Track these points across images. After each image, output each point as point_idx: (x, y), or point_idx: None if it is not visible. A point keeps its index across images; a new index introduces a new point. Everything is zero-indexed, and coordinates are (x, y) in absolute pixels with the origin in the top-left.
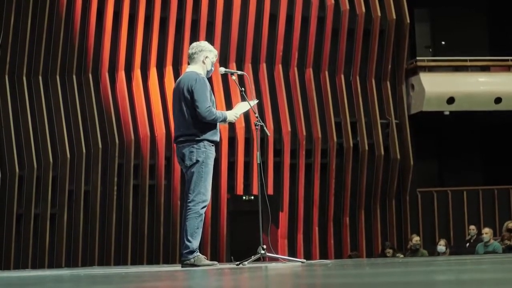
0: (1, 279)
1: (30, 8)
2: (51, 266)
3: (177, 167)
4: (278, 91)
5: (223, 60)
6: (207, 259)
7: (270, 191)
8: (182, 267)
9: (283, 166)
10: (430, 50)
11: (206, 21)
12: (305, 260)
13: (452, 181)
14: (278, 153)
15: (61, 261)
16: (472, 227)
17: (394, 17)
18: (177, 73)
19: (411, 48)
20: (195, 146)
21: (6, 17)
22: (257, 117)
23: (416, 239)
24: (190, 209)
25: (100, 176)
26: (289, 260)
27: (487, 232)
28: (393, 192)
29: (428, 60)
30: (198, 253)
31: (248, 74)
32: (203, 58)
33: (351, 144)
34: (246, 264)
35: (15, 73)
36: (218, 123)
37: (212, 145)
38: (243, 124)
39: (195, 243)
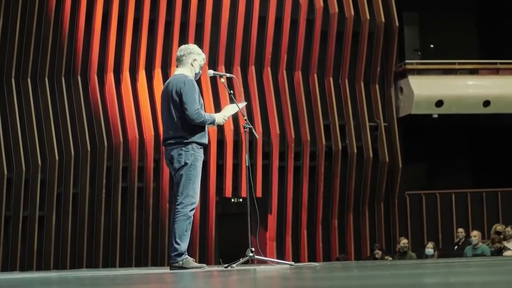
0: None
1: (19, 10)
2: (39, 268)
3: (166, 170)
4: (267, 94)
5: (212, 62)
6: (195, 262)
7: (259, 193)
8: (170, 269)
9: (272, 168)
10: (419, 53)
11: (195, 23)
12: (293, 263)
13: (440, 184)
14: (266, 155)
15: (50, 264)
16: (461, 229)
17: (383, 20)
18: (166, 75)
19: (400, 51)
20: (183, 148)
21: None
22: (245, 119)
23: (404, 241)
24: (178, 211)
25: (88, 179)
26: (278, 263)
27: (475, 235)
28: (381, 194)
29: (417, 63)
30: (187, 256)
31: (237, 77)
32: (192, 60)
33: (340, 147)
34: (235, 266)
35: (4, 75)
36: (206, 126)
37: (201, 148)
38: (232, 127)
39: (183, 245)
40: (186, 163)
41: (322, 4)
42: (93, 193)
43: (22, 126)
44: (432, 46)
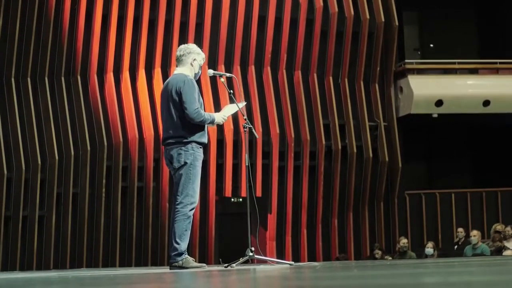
0: None
1: (19, 10)
2: (39, 268)
3: (166, 169)
4: (266, 93)
5: (212, 62)
6: (195, 261)
7: (259, 193)
8: (170, 269)
9: (272, 168)
10: (419, 52)
11: (195, 23)
12: (293, 262)
13: (440, 184)
14: (266, 155)
15: (49, 263)
16: (460, 229)
17: (383, 19)
18: (165, 75)
19: (400, 51)
20: (183, 148)
21: None
22: (245, 119)
23: (404, 241)
24: (178, 211)
25: (88, 178)
26: (277, 262)
27: (475, 234)
28: (381, 194)
29: (416, 63)
30: (187, 255)
31: (236, 76)
32: (191, 60)
33: (340, 147)
34: (234, 266)
35: (4, 75)
36: (206, 125)
37: (200, 147)
38: (232, 127)
39: (183, 245)
40: (185, 163)
41: (321, 3)
42: (93, 193)
43: (22, 126)
44: (432, 45)
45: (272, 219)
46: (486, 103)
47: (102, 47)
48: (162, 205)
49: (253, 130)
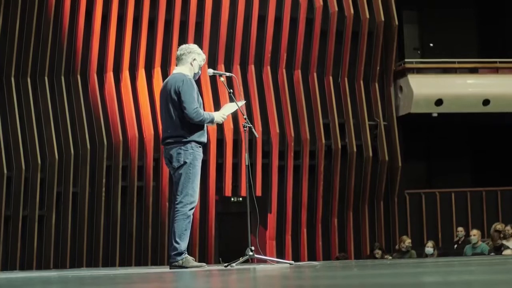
0: None
1: (19, 8)
2: (39, 267)
3: (165, 169)
4: (266, 93)
5: (212, 61)
6: (195, 261)
7: (259, 192)
8: (170, 268)
9: (271, 167)
10: (419, 52)
11: (195, 22)
12: (293, 262)
13: (440, 183)
14: (266, 154)
15: (49, 263)
16: (460, 228)
17: (383, 19)
18: (165, 74)
19: (400, 50)
20: (182, 147)
21: None
22: (245, 118)
23: (408, 241)
24: (178, 210)
25: (88, 178)
26: (277, 262)
27: (475, 233)
28: (381, 193)
29: (416, 62)
30: (186, 255)
31: (236, 76)
32: (191, 60)
33: (340, 146)
34: (234, 265)
35: (3, 74)
36: (205, 124)
37: (200, 147)
38: (231, 126)
39: (183, 244)
40: (185, 162)
41: (321, 3)
42: (93, 192)
43: (21, 125)
44: (431, 45)
45: (272, 218)
46: (486, 102)
47: (102, 46)
48: (162, 205)
49: (253, 129)
